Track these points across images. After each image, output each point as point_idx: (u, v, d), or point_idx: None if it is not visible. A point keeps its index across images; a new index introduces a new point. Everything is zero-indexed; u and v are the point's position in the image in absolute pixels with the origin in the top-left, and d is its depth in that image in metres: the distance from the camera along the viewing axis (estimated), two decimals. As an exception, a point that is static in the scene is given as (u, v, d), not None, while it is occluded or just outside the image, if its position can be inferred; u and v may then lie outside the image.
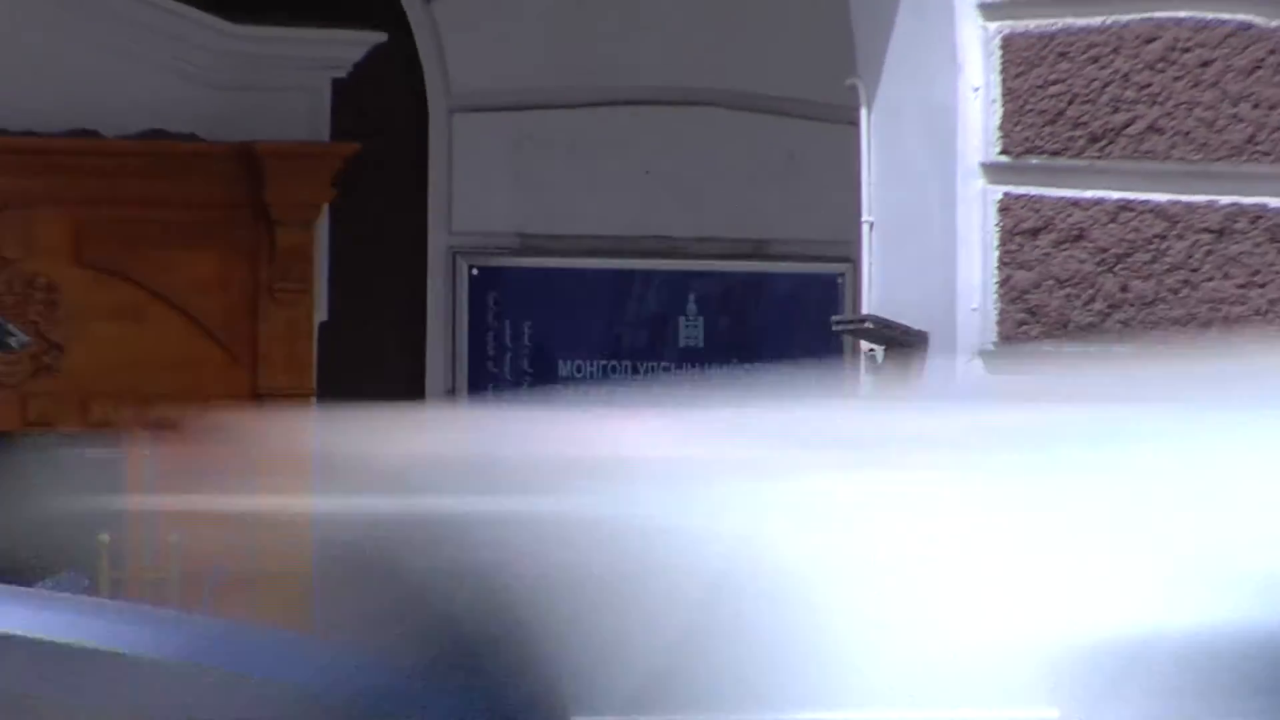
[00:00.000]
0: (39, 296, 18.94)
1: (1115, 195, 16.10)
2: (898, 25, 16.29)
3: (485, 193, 19.98)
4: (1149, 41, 16.17)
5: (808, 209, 19.59)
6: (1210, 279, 16.25)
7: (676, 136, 20.22)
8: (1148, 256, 16.13)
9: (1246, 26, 16.63)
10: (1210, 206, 16.26)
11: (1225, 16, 16.42)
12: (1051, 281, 15.79)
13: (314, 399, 20.08)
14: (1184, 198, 16.26)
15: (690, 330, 20.41)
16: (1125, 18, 16.14)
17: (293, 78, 20.23)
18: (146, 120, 19.86)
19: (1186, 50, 16.30)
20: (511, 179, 20.42)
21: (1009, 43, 15.83)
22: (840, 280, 19.05)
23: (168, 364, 20.06)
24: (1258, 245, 16.56)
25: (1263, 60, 16.59)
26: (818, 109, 18.75)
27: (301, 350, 19.98)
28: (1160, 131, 16.18)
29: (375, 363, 20.11)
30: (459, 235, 20.09)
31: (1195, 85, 16.13)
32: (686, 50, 20.33)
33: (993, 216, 15.81)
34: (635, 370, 20.77)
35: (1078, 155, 16.19)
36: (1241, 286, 16.32)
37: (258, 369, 20.05)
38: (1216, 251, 16.36)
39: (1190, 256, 16.40)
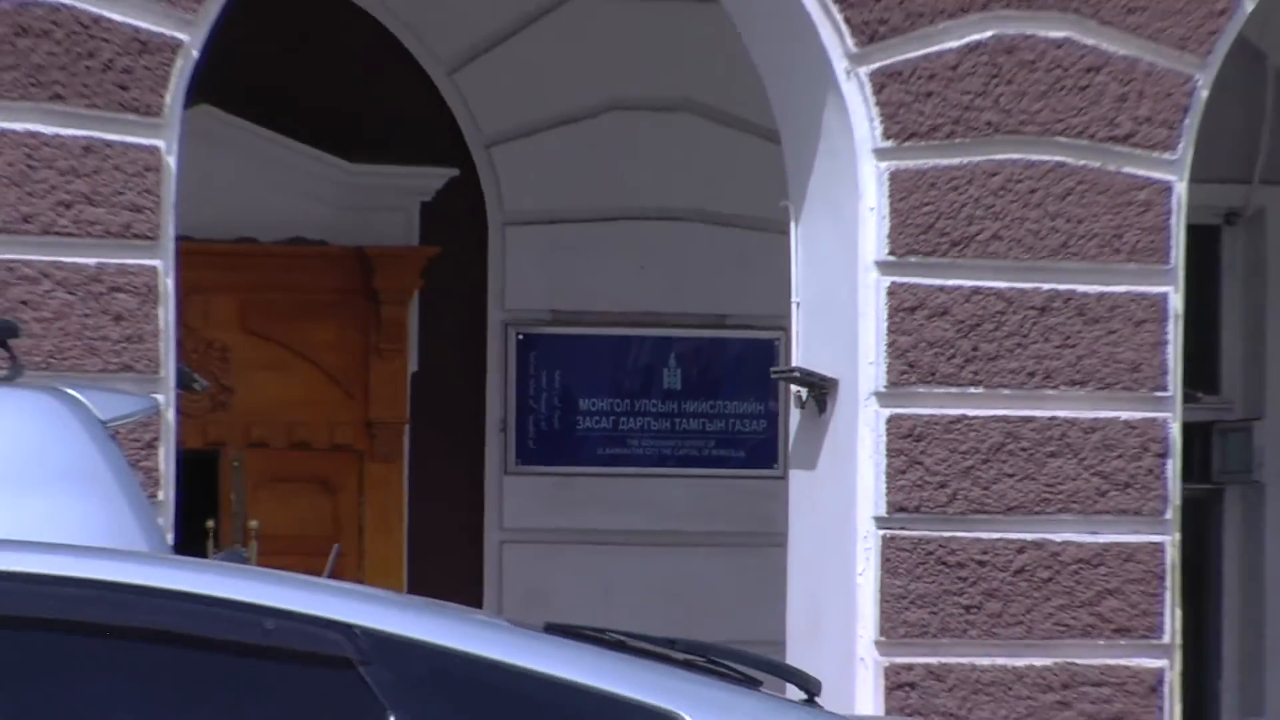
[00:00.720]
0: (215, 354, 19.23)
1: (970, 283, 16.79)
2: (817, 164, 16.97)
3: (527, 282, 20.20)
4: (992, 175, 16.87)
5: (754, 293, 19.61)
6: (1035, 342, 16.89)
7: (662, 243, 20.36)
8: (992, 326, 16.79)
9: (1061, 164, 17.34)
10: (1036, 291, 16.88)
11: (1045, 157, 17.07)
12: (924, 344, 16.54)
13: (408, 426, 20.36)
14: (1017, 285, 16.85)
15: (671, 377, 20.40)
16: (975, 159, 16.76)
17: (392, 201, 20.57)
18: (290, 230, 20.22)
19: (1019, 182, 16.95)
20: (546, 272, 20.32)
21: (895, 176, 16.54)
22: (777, 343, 18.88)
23: (305, 402, 20.55)
24: (1069, 319, 17.05)
25: (1072, 189, 17.19)
26: (762, 222, 18.98)
27: (399, 392, 20.32)
28: (1001, 239, 16.96)
29: (450, 401, 20.33)
30: (509, 311, 20.04)
31: (1025, 206, 16.79)
32: (670, 180, 20.33)
33: (883, 298, 16.51)
34: (632, 405, 20.72)
35: (943, 255, 16.90)
36: (1058, 347, 16.96)
37: (369, 405, 20.42)
38: (1040, 323, 16.97)
39: (1021, 326, 17.01)
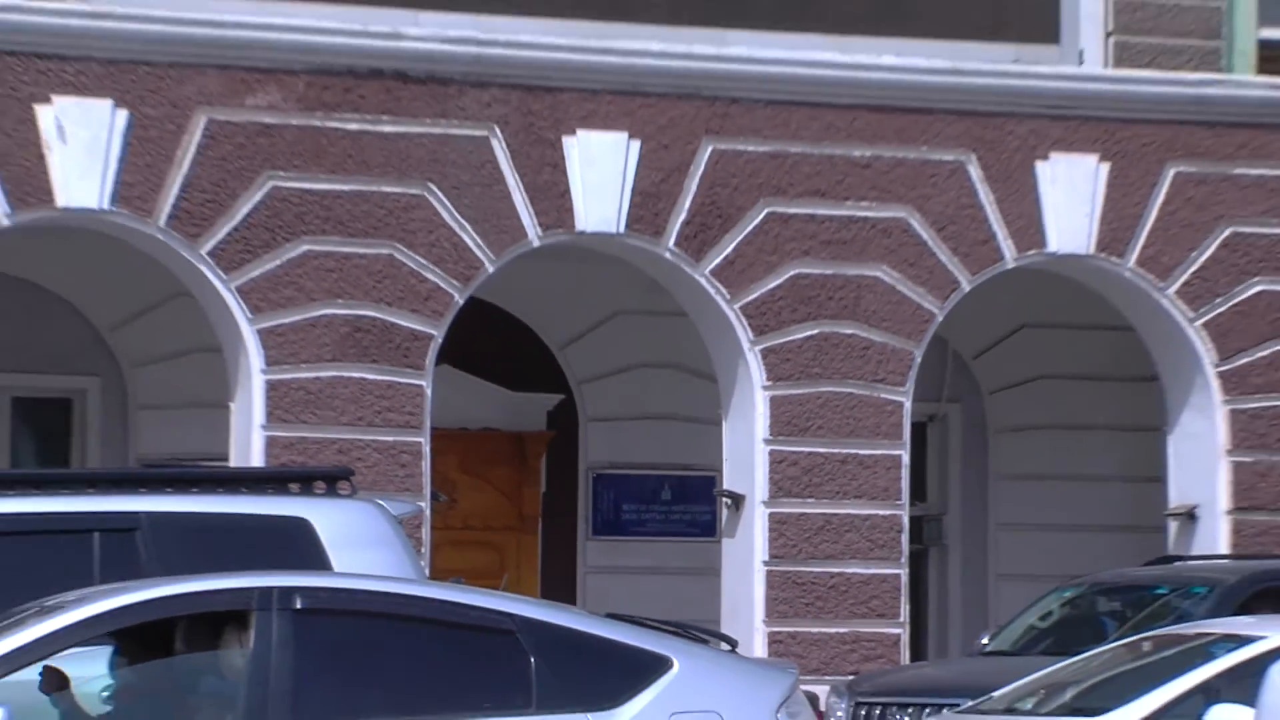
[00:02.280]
0: (448, 483, 17.29)
1: (809, 449, 17.42)
2: (735, 391, 17.27)
3: (597, 449, 19.19)
4: (822, 402, 17.22)
5: (705, 451, 18.17)
6: (842, 476, 17.34)
7: (661, 430, 19.21)
8: (821, 469, 17.38)
9: (852, 395, 17.30)
10: (841, 454, 17.38)
11: (851, 390, 17.18)
12: (786, 478, 17.21)
13: (539, 518, 19.32)
14: (834, 450, 17.40)
15: (665, 493, 19.12)
16: (812, 390, 17.13)
17: (532, 409, 19.23)
18: (483, 422, 18.87)
19: (835, 403, 17.38)
20: (605, 445, 19.30)
21: (773, 399, 17.02)
22: (715, 477, 17.82)
23: (490, 505, 19.14)
24: (829, 465, 17.29)
25: (858, 404, 17.47)
26: (710, 419, 17.97)
27: (535, 500, 19.21)
28: (827, 426, 17.47)
29: (561, 505, 19.20)
30: (589, 462, 19.12)
31: (838, 414, 17.37)
32: (665, 400, 18.94)
33: (766, 456, 17.22)
34: (646, 507, 19.40)
35: (795, 435, 17.23)
36: (850, 480, 17.55)
37: (521, 507, 19.23)
38: (841, 468, 17.38)
39: (834, 471, 17.45)
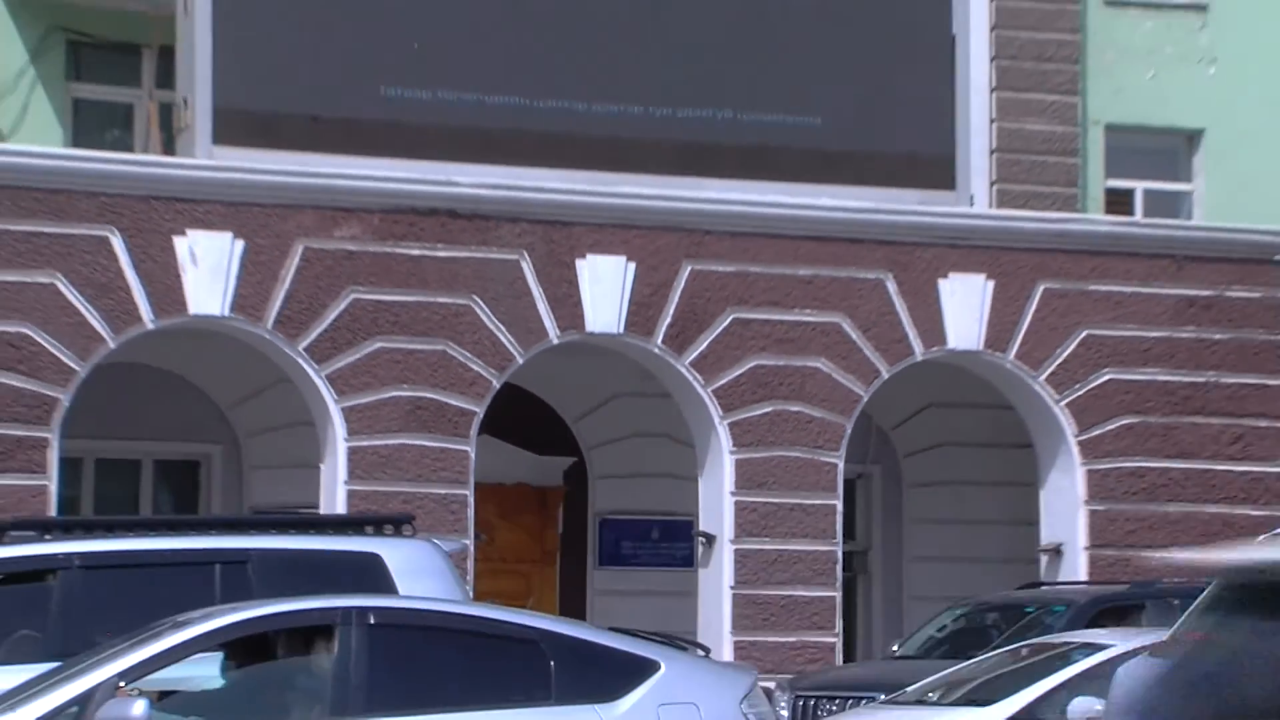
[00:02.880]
0: (487, 526, 16.65)
1: (768, 500, 16.64)
2: (708, 456, 16.76)
3: (603, 500, 18.60)
4: (775, 466, 16.50)
5: (686, 501, 17.46)
6: (789, 520, 16.61)
7: (656, 487, 18.45)
8: (776, 514, 16.66)
9: (796, 459, 16.59)
10: (787, 503, 16.62)
11: (796, 455, 16.56)
12: (748, 523, 16.67)
13: (558, 553, 18.66)
14: (790, 500, 16.68)
15: (655, 534, 18.46)
16: (770, 454, 16.58)
17: (551, 468, 18.55)
18: (516, 478, 18.11)
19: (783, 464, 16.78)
20: (610, 496, 18.75)
21: (739, 463, 16.42)
22: (693, 519, 17.28)
23: (520, 542, 18.26)
24: (776, 519, 16.52)
25: (804, 466, 16.71)
26: (691, 476, 17.40)
27: (553, 540, 18.60)
28: (782, 481, 16.74)
29: (574, 543, 18.68)
30: (597, 510, 18.45)
31: (782, 469, 16.74)
32: (659, 464, 18.16)
33: (733, 505, 16.49)
34: (639, 544, 18.63)
35: (755, 487, 16.59)
36: (797, 525, 16.76)
37: (543, 544, 18.58)
38: (790, 516, 16.57)
39: (787, 517, 16.62)
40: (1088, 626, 13.14)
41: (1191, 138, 19.82)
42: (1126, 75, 19.27)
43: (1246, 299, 17.27)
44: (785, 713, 13.83)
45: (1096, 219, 18.24)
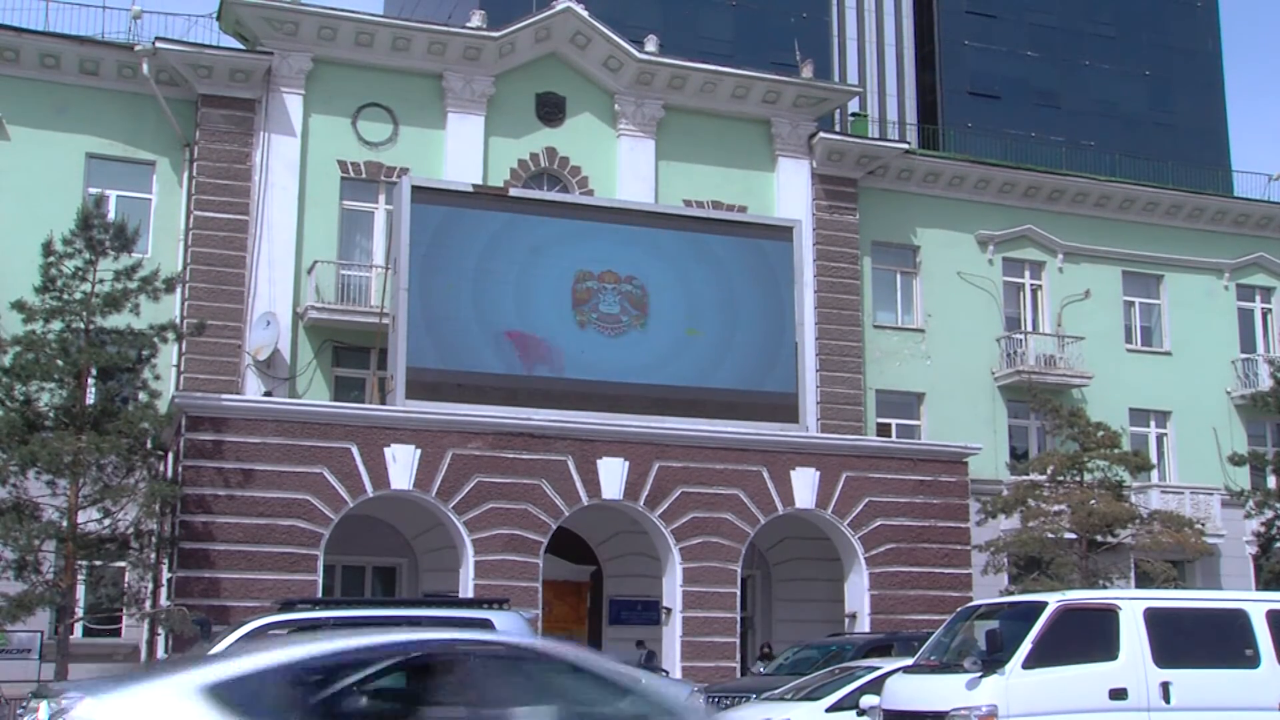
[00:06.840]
0: (545, 608, 15.01)
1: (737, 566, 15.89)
2: (669, 564, 16.12)
3: (612, 592, 17.62)
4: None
5: (658, 589, 16.21)
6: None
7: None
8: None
9: (725, 546, 16.14)
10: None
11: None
12: (703, 591, 16.06)
13: (586, 620, 17.73)
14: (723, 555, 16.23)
15: (640, 608, 17.10)
16: (708, 565, 15.86)
17: (576, 576, 17.28)
18: (553, 576, 17.09)
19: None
20: (617, 585, 17.60)
21: (685, 570, 16.21)
22: (659, 600, 16.15)
23: (555, 597, 17.24)
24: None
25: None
26: (659, 574, 16.30)
27: (584, 604, 17.07)
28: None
29: (596, 613, 17.46)
30: (609, 595, 17.62)
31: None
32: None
33: (681, 596, 16.05)
34: (633, 613, 17.70)
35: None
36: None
37: (580, 607, 17.27)
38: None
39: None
40: (865, 658, 13.34)
41: (920, 396, 21.38)
42: (886, 363, 21.06)
43: (949, 481, 18.00)
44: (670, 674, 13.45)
45: (872, 439, 18.97)
